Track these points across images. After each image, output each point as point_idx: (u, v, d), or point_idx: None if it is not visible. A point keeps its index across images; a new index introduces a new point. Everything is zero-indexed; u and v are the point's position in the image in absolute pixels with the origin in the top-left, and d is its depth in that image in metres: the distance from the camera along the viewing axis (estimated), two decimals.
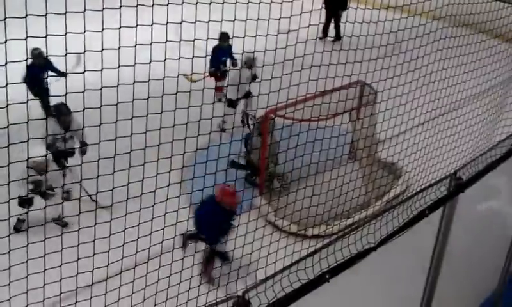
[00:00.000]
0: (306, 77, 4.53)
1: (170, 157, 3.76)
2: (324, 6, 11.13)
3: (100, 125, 3.14)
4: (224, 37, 8.40)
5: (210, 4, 3.61)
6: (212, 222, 5.10)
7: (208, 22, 3.76)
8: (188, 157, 5.99)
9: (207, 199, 5.27)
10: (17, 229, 6.04)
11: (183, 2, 3.71)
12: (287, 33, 4.35)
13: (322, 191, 5.41)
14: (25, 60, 3.95)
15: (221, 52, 9.00)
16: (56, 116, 6.75)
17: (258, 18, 3.87)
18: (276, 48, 4.40)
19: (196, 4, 3.75)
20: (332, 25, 12.60)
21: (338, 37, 12.35)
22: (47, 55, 7.00)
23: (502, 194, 6.50)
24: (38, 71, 8.28)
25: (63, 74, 8.01)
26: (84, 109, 3.30)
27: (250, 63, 8.12)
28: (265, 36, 4.08)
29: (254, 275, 3.95)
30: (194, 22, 3.58)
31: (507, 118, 7.42)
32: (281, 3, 4.03)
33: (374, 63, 5.25)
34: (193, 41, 3.55)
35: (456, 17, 6.59)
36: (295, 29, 4.44)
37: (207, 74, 8.30)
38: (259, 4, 3.77)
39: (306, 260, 2.58)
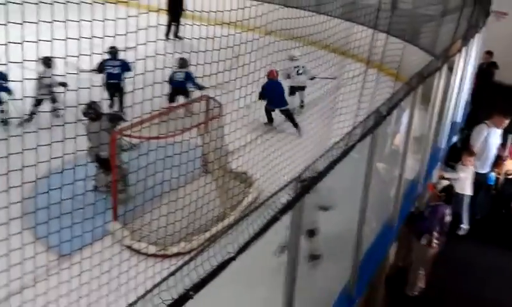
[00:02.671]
0: (150, 94, 4.49)
1: (7, 190, 3.44)
2: (167, 10, 12.90)
3: None
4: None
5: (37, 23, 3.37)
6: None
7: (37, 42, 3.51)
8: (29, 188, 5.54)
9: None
10: None
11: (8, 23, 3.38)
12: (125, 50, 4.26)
13: (178, 208, 5.40)
14: None
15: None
16: None
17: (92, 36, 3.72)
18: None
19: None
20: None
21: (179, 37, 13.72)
22: None
23: (341, 191, 7.14)
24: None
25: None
26: None
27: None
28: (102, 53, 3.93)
29: (116, 305, 3.78)
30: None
31: (340, 121, 8.15)
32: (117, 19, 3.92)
33: (215, 77, 5.39)
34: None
35: (285, 31, 7.06)
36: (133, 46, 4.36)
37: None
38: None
39: (169, 280, 2.55)
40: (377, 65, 10.47)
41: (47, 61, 8.26)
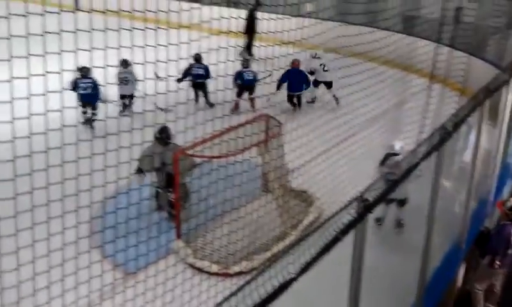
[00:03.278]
0: (211, 115, 4.58)
1: (76, 210, 3.59)
2: (244, 32, 14.29)
3: None
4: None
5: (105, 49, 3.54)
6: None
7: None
8: (96, 208, 5.77)
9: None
10: None
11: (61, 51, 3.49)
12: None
13: (239, 227, 5.43)
14: None
15: None
16: None
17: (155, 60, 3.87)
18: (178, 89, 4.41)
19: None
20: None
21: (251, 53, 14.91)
22: None
23: (407, 210, 6.93)
24: None
25: None
26: None
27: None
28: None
29: None
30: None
31: (404, 138, 7.93)
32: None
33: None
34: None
35: (345, 48, 7.01)
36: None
37: None
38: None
39: (231, 300, 2.56)
40: (441, 80, 10.17)
41: (125, 62, 9.71)
